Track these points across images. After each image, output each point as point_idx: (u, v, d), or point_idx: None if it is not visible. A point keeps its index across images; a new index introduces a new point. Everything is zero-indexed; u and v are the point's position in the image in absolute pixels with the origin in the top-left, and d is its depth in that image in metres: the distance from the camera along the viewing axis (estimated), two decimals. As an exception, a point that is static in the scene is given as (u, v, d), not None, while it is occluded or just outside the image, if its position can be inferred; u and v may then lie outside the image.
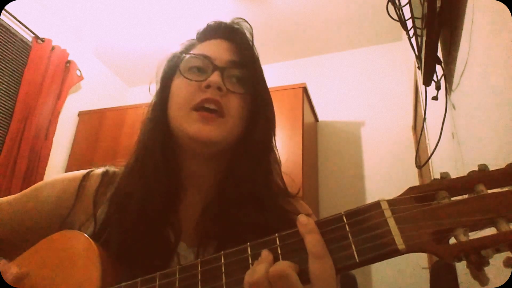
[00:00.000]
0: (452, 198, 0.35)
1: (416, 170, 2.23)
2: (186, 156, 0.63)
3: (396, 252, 0.34)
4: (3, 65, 2.43)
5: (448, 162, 1.16)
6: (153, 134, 0.62)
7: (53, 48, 2.67)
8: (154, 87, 0.69)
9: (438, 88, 1.03)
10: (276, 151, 0.68)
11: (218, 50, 0.64)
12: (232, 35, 0.66)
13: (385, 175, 2.46)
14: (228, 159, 0.63)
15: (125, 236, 0.54)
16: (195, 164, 0.63)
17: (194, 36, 0.70)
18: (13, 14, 2.46)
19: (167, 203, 0.58)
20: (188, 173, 0.63)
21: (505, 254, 0.31)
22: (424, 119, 1.45)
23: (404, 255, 0.34)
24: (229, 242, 0.50)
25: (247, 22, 0.69)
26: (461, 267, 1.07)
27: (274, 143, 0.67)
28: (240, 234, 0.55)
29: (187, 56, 0.64)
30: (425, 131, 1.67)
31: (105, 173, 0.66)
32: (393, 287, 2.18)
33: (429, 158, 1.33)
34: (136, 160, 0.63)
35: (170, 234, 0.57)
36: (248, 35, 0.68)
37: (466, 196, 0.34)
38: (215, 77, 0.59)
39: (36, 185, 0.66)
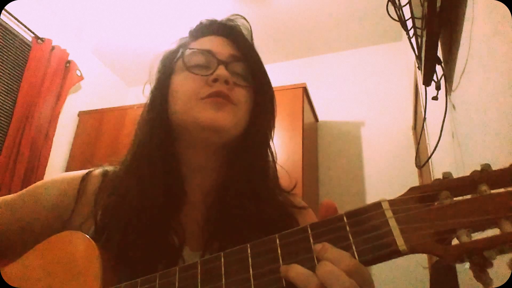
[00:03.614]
0: (455, 199, 0.34)
1: (416, 170, 2.22)
2: (188, 153, 0.62)
3: (397, 253, 0.33)
4: (3, 65, 2.43)
5: (448, 162, 1.16)
6: (152, 133, 0.60)
7: (53, 48, 2.66)
8: (149, 89, 0.68)
9: (438, 88, 1.03)
10: (272, 145, 0.67)
11: (217, 45, 0.63)
12: (227, 31, 0.65)
13: (385, 175, 2.46)
14: (228, 154, 0.62)
15: (126, 241, 0.53)
16: (197, 160, 0.62)
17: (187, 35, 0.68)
18: (13, 14, 2.46)
19: (167, 206, 0.57)
20: (189, 171, 0.62)
21: (508, 256, 0.31)
22: (424, 119, 1.45)
23: (406, 255, 0.34)
24: (230, 240, 0.49)
25: (244, 18, 0.68)
26: (461, 267, 1.06)
27: (272, 138, 0.67)
28: (240, 230, 0.54)
29: (189, 51, 0.62)
30: (425, 131, 1.67)
31: (105, 173, 0.64)
32: (394, 287, 2.17)
33: (429, 158, 1.33)
34: (132, 161, 0.61)
35: (174, 239, 0.56)
36: (244, 30, 0.67)
37: (469, 196, 0.34)
38: (222, 71, 0.58)
39: (34, 185, 0.64)
